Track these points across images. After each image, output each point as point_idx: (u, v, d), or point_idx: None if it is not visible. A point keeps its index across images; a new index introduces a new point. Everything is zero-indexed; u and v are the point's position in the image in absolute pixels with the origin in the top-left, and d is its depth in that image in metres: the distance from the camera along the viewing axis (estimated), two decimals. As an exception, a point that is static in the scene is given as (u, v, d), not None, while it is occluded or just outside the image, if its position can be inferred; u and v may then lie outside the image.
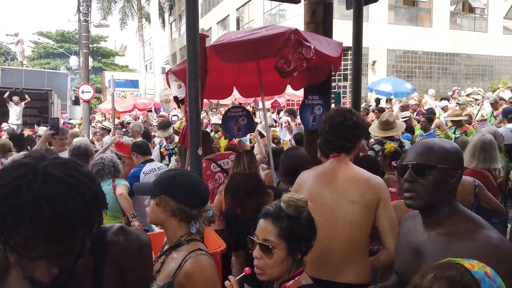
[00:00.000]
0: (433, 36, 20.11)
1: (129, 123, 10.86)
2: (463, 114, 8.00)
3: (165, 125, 6.15)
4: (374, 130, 5.46)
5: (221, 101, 15.53)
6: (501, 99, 8.65)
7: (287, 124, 7.64)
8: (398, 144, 4.96)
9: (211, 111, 18.69)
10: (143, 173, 4.08)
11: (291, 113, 9.33)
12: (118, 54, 47.26)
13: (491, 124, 7.43)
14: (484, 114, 9.12)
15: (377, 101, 12.98)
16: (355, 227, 2.05)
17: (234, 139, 6.21)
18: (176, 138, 6.09)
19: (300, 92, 4.48)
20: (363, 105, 12.37)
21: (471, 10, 21.56)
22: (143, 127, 6.92)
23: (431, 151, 1.41)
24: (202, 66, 2.88)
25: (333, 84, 4.31)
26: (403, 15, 20.48)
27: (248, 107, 14.43)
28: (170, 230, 1.68)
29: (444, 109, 10.11)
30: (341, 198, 2.07)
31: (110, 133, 8.50)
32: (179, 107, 3.37)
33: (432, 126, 7.12)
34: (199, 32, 2.80)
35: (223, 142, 6.81)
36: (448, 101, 12.30)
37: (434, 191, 1.38)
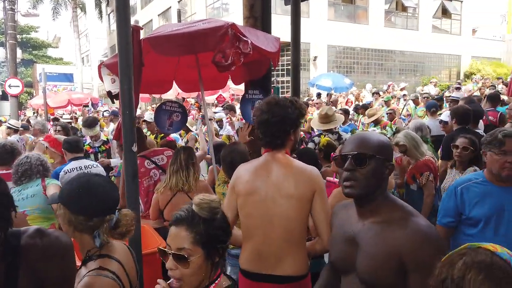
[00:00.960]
0: (370, 33, 21.08)
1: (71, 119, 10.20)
2: (388, 109, 8.68)
3: (90, 123, 5.69)
4: (315, 123, 5.66)
5: (164, 96, 15.11)
6: (421, 95, 9.36)
7: (229, 119, 7.64)
8: (337, 136, 5.14)
9: (151, 106, 18.14)
10: (64, 171, 3.84)
11: (230, 109, 9.32)
12: (51, 45, 44.14)
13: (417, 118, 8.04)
14: (409, 109, 9.82)
15: (318, 95, 13.38)
16: (291, 221, 2.04)
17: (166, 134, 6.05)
18: (102, 136, 5.79)
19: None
20: (305, 99, 12.71)
21: (404, 9, 22.88)
22: (47, 124, 6.47)
23: (369, 142, 1.48)
24: (137, 59, 2.77)
25: (272, 79, 4.39)
26: (342, 12, 21.22)
27: (192, 101, 14.21)
28: (77, 242, 1.50)
29: (370, 104, 10.61)
30: (276, 192, 2.05)
31: (18, 132, 7.73)
32: (113, 102, 3.21)
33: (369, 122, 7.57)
34: (134, 24, 2.68)
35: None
36: (383, 93, 13.00)
37: (372, 180, 1.44)
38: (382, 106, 10.50)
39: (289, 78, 4.29)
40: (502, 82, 12.15)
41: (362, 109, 9.27)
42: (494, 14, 27.50)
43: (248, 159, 2.90)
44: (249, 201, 2.10)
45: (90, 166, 4.04)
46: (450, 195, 2.46)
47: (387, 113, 8.39)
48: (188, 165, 3.04)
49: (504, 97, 8.33)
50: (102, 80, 3.24)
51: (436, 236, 1.37)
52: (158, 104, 5.54)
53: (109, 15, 33.12)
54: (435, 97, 8.10)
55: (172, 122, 4.22)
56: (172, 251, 1.31)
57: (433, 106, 6.58)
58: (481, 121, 5.17)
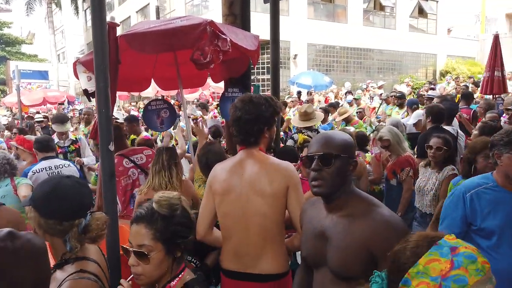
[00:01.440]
0: (349, 32, 21.31)
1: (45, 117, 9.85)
2: (357, 107, 8.95)
3: (61, 119, 5.38)
4: (295, 121, 5.72)
5: (144, 94, 14.94)
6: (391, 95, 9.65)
7: (201, 118, 7.65)
8: (316, 134, 5.19)
9: (130, 104, 17.87)
10: (32, 172, 3.74)
11: (203, 107, 9.29)
12: (25, 42, 42.81)
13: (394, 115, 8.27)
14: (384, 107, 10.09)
15: (299, 93, 13.47)
16: (267, 218, 2.04)
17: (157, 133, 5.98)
18: (71, 135, 5.53)
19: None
20: (286, 97, 12.77)
21: (382, 8, 23.24)
22: (1, 124, 6.20)
23: (334, 142, 1.53)
24: (113, 56, 2.71)
25: (252, 77, 4.40)
26: (321, 10, 21.37)
27: (172, 101, 14.06)
28: (51, 247, 1.48)
29: (350, 103, 10.80)
30: (250, 190, 2.05)
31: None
32: (89, 100, 3.14)
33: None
34: (110, 20, 2.63)
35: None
36: (362, 92, 13.18)
37: (337, 179, 1.50)
38: (352, 105, 10.65)
39: (269, 76, 4.30)
40: (473, 81, 12.41)
41: (331, 107, 9.39)
42: (469, 14, 28.24)
43: (225, 158, 2.89)
44: (225, 200, 2.09)
45: (61, 166, 3.90)
46: (457, 203, 2.13)
47: (357, 112, 8.56)
48: (171, 165, 3.00)
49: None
50: (77, 78, 3.16)
51: (399, 223, 1.45)
52: (141, 104, 5.45)
53: (85, 11, 32.34)
54: (396, 95, 8.56)
55: (162, 120, 4.19)
56: (133, 248, 1.35)
57: (415, 103, 6.74)
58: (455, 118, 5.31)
